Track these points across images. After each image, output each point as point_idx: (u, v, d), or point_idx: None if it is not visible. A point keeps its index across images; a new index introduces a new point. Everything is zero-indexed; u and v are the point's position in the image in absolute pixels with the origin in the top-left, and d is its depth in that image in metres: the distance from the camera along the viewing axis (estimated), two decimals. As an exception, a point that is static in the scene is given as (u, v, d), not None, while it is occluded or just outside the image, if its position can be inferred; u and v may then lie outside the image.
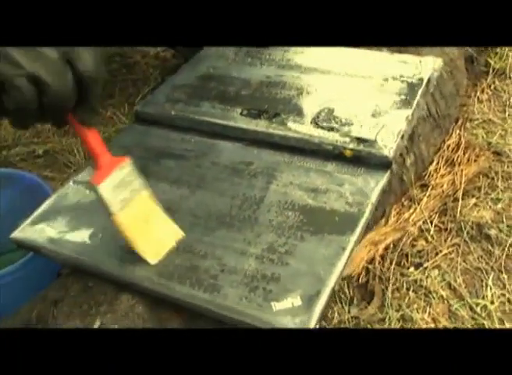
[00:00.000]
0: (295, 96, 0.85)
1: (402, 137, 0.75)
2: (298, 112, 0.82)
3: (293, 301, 0.59)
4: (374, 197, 0.69)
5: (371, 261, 0.86)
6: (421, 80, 0.85)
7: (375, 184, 0.71)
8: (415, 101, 0.81)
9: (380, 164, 0.73)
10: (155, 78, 1.29)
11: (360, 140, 0.75)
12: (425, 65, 0.88)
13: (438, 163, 1.01)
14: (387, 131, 0.75)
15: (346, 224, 0.66)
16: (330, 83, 0.87)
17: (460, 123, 1.09)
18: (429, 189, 0.96)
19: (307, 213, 0.68)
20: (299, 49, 0.98)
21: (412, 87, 0.83)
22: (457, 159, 1.01)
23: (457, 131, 1.06)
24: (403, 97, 0.82)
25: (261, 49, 0.98)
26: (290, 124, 0.79)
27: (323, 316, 0.60)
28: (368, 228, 0.84)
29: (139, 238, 0.63)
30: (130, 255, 0.65)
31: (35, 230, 0.71)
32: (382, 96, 0.83)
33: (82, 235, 0.69)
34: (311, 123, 0.79)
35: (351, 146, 0.74)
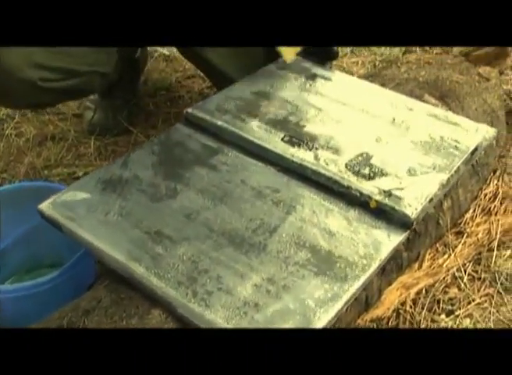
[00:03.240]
0: (338, 133, 0.86)
1: (430, 200, 0.75)
2: (337, 151, 0.83)
3: (277, 336, 0.60)
4: (385, 253, 0.70)
5: (403, 304, 0.86)
6: (468, 147, 0.84)
7: (390, 241, 0.71)
8: (455, 168, 0.80)
9: (401, 222, 0.73)
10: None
11: (387, 193, 0.75)
12: (477, 132, 0.87)
13: (474, 211, 1.01)
14: (416, 191, 0.75)
15: (351, 274, 0.67)
16: (377, 129, 0.87)
17: (498, 173, 1.09)
18: (464, 236, 0.97)
19: (315, 253, 0.69)
20: (356, 87, 0.98)
21: (456, 152, 0.83)
22: (494, 209, 1.02)
23: (495, 181, 1.07)
24: (444, 160, 0.81)
25: (323, 79, 0.99)
26: (325, 161, 0.80)
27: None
28: (399, 271, 0.85)
29: None
30: (137, 248, 0.68)
31: (60, 207, 0.74)
32: (423, 154, 0.82)
33: (101, 219, 0.73)
34: (346, 165, 0.80)
35: (377, 197, 0.75)
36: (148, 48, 1.46)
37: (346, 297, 0.65)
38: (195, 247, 0.70)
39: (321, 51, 1.03)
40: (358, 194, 0.76)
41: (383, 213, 0.74)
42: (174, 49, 1.55)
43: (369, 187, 0.76)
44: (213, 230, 0.72)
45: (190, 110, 0.91)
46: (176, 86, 1.49)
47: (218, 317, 0.62)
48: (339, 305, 0.64)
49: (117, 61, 1.08)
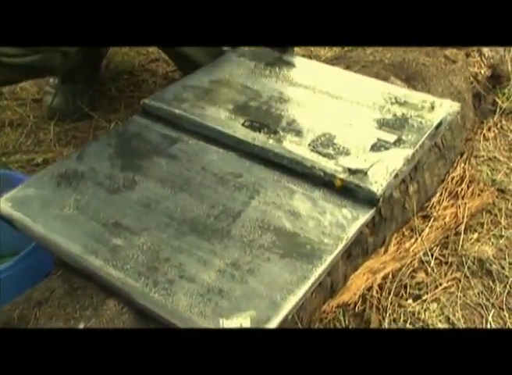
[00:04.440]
0: (301, 116, 0.84)
1: (395, 176, 0.73)
2: (299, 133, 0.80)
3: (242, 321, 0.58)
4: (351, 232, 0.67)
5: (369, 290, 0.84)
6: (432, 122, 0.82)
7: (356, 219, 0.69)
8: (419, 143, 0.78)
9: (367, 199, 0.71)
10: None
11: (351, 171, 0.73)
12: (441, 107, 0.86)
13: (441, 195, 1.00)
14: (381, 168, 0.74)
15: (317, 254, 0.65)
16: (339, 109, 0.86)
17: (465, 156, 1.08)
18: (431, 220, 0.95)
19: (280, 235, 0.67)
20: (317, 71, 0.97)
21: (420, 128, 0.81)
22: (461, 192, 1.01)
23: (462, 165, 1.06)
24: (409, 136, 0.80)
25: (284, 64, 0.97)
26: (287, 143, 0.78)
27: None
28: (364, 256, 0.83)
29: None
30: (94, 242, 0.65)
31: (13, 204, 0.71)
32: (387, 131, 0.81)
33: (56, 213, 0.69)
34: (309, 145, 0.78)
35: (342, 176, 0.73)
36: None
37: (313, 278, 0.62)
38: (155, 236, 0.67)
39: None
40: (322, 174, 0.74)
41: (348, 192, 0.72)
42: (137, 32, 1.51)
43: (333, 166, 0.74)
44: (174, 219, 0.69)
45: (146, 101, 0.88)
46: (139, 70, 1.44)
47: (181, 306, 0.59)
48: (306, 287, 0.61)
49: None
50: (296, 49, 1.28)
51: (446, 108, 0.85)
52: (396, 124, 0.82)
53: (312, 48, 1.57)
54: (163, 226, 0.68)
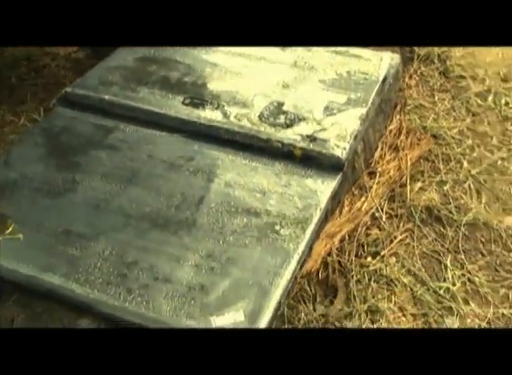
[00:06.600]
0: (242, 86, 0.79)
1: (355, 137, 0.70)
2: (245, 104, 0.75)
3: (235, 316, 0.53)
4: (323, 201, 0.64)
5: (329, 254, 0.81)
6: (377, 77, 0.80)
7: (325, 187, 0.66)
8: (370, 100, 0.76)
9: (332, 165, 0.68)
10: (70, 81, 1.18)
11: (310, 138, 0.69)
12: (382, 61, 0.83)
13: (382, 149, 0.98)
14: (340, 130, 0.70)
15: (294, 230, 0.61)
16: (280, 75, 0.81)
17: (398, 108, 1.06)
18: (377, 176, 0.94)
19: (251, 217, 0.62)
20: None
21: (367, 85, 0.79)
22: (401, 144, 1.00)
23: (397, 116, 1.04)
24: (358, 94, 0.77)
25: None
26: (236, 117, 0.73)
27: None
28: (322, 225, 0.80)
29: None
30: (46, 257, 0.57)
31: None
32: (335, 92, 0.77)
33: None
34: (259, 117, 0.73)
35: (301, 145, 0.69)
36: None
37: (297, 256, 0.59)
38: (115, 239, 0.60)
39: None
40: (280, 145, 0.69)
41: (311, 160, 0.68)
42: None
43: (290, 136, 0.70)
44: (130, 217, 0.62)
45: (69, 89, 0.79)
46: (38, 54, 1.30)
47: (164, 311, 0.53)
48: (292, 267, 0.57)
49: None
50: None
51: (387, 61, 0.83)
52: (343, 83, 0.79)
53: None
54: (121, 227, 0.61)
